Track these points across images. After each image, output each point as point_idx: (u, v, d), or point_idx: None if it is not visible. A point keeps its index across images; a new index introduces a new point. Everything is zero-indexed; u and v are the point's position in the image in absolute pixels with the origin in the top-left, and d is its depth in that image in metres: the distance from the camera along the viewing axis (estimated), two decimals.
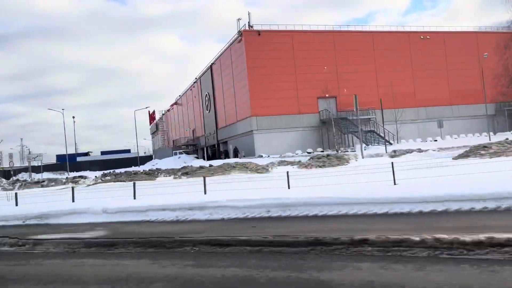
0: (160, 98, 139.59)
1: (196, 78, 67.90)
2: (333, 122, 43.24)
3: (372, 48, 47.53)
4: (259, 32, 44.23)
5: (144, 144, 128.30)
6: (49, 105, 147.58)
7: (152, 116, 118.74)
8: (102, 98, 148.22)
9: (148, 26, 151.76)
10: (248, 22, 44.39)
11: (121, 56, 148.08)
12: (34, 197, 17.17)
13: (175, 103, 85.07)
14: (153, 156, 61.87)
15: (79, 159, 61.79)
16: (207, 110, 61.20)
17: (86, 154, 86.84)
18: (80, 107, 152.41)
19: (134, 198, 13.81)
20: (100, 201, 13.15)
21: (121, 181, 26.23)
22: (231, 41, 48.83)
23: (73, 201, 14.43)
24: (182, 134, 79.83)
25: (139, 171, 32.14)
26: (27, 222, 12.62)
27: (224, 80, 52.22)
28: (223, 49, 52.42)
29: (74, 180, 31.42)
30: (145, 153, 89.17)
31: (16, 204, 14.74)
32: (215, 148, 58.23)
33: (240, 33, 44.76)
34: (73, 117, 54.36)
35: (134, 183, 15.15)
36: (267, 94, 43.60)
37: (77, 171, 51.78)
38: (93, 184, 24.11)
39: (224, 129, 54.24)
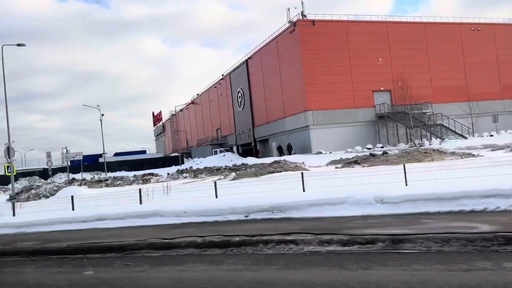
0: (142, 101, 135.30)
1: (223, 75, 65.27)
2: (396, 117, 41.26)
3: (424, 40, 45.66)
4: (313, 22, 41.96)
5: (137, 148, 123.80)
6: (27, 109, 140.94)
7: (157, 118, 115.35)
8: (82, 101, 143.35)
9: (130, 29, 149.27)
10: (302, 11, 42.10)
11: (102, 59, 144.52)
12: (182, 192, 14.48)
13: (192, 103, 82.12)
14: (182, 157, 58.71)
15: (105, 159, 57.91)
16: (239, 107, 58.57)
17: (99, 156, 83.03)
18: (60, 111, 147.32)
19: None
20: (366, 188, 10.57)
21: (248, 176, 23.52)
22: (277, 32, 46.50)
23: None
24: (201, 134, 76.96)
25: (218, 167, 29.43)
26: (253, 216, 10.02)
27: (265, 75, 49.74)
28: (264, 42, 50.02)
29: (145, 178, 28.58)
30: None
31: (217, 197, 12.26)
32: (251, 147, 55.56)
33: (293, 23, 42.43)
34: (102, 114, 51.08)
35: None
36: (323, 87, 41.33)
37: (109, 171, 48.59)
38: (233, 179, 21.06)
39: (263, 126, 51.71)
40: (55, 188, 24.88)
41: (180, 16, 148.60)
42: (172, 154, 74.44)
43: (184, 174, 27.35)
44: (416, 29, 45.60)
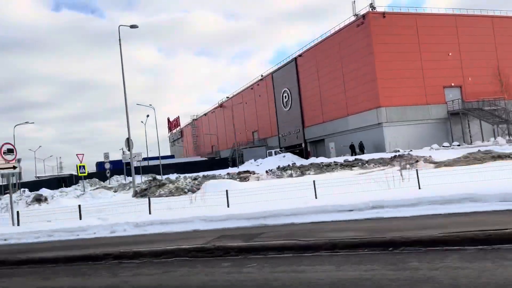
0: (137, 110, 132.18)
1: (262, 76, 63.05)
2: (474, 113, 39.19)
3: (492, 34, 43.76)
4: (383, 14, 39.90)
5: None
6: (20, 119, 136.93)
7: (174, 123, 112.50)
8: (75, 111, 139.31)
9: (124, 39, 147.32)
10: (371, 3, 40.01)
11: (95, 68, 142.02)
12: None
13: (221, 106, 79.69)
14: (235, 159, 55.52)
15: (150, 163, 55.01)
16: (284, 108, 56.23)
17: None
18: (52, 120, 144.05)
19: None
20: None
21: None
22: (337, 28, 44.45)
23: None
24: (231, 137, 74.40)
25: (326, 163, 26.95)
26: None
27: (321, 72, 47.48)
28: (319, 39, 47.91)
29: (242, 176, 26.04)
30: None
31: None
32: (300, 148, 53.08)
33: (361, 15, 40.34)
34: (147, 115, 48.50)
35: None
36: (395, 83, 39.20)
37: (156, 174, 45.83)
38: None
39: (316, 126, 49.34)
40: (197, 182, 22.38)
41: (175, 25, 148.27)
42: (210, 157, 71.63)
43: (288, 171, 24.83)
44: (484, 23, 43.68)
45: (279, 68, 57.56)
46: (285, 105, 56.16)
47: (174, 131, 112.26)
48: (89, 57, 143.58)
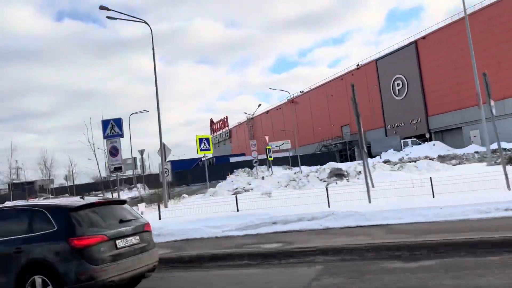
0: (138, 118, 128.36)
1: (358, 65, 58.83)
2: None
3: None
4: None
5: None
6: (21, 129, 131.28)
7: (221, 124, 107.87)
8: (77, 120, 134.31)
9: (125, 48, 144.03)
10: None
11: (96, 78, 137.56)
12: None
13: (292, 101, 75.18)
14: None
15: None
16: (396, 96, 51.85)
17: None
18: (54, 130, 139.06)
19: None
20: None
21: None
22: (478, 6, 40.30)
23: None
24: (307, 133, 69.96)
25: None
26: None
27: (455, 55, 43.05)
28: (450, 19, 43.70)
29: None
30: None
31: None
32: (424, 139, 48.60)
33: None
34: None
35: None
36: None
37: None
38: None
39: (447, 114, 44.99)
40: None
41: (175, 34, 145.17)
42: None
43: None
44: None
45: (386, 55, 53.32)
46: (397, 93, 51.80)
47: (221, 131, 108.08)
48: (90, 67, 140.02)
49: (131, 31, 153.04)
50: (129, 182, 49.67)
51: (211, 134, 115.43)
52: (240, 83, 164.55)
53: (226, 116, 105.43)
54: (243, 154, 77.04)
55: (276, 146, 48.99)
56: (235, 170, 41.84)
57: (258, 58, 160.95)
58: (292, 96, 75.99)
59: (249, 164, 44.88)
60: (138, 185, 36.53)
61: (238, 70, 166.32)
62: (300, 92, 73.53)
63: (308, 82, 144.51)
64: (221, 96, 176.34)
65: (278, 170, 37.21)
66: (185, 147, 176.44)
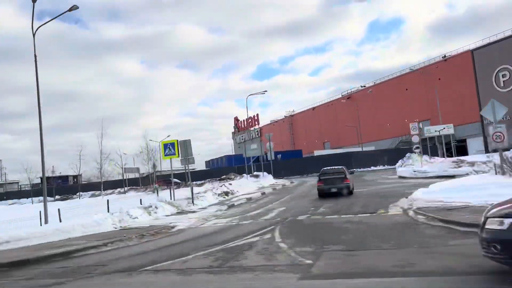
0: (120, 122, 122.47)
1: (444, 56, 55.53)
2: None
3: None
4: None
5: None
6: None
7: (249, 122, 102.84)
8: (56, 122, 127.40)
9: (107, 50, 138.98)
10: None
11: (77, 80, 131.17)
12: None
13: (348, 97, 71.40)
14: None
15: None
16: (501, 88, 48.72)
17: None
18: (31, 131, 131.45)
19: None
20: None
21: None
22: None
23: None
24: (368, 130, 66.27)
25: None
26: None
27: None
28: None
29: None
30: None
31: None
32: None
33: None
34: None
35: None
36: None
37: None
38: None
39: None
40: None
41: (158, 37, 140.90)
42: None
43: None
44: None
45: (487, 44, 50.21)
46: (502, 85, 48.70)
47: (252, 129, 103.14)
48: (71, 68, 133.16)
49: (114, 33, 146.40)
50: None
51: (236, 132, 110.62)
52: (222, 89, 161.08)
53: (257, 114, 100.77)
54: (300, 151, 72.53)
55: (435, 131, 45.30)
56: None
57: (241, 65, 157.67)
58: (349, 92, 72.43)
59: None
60: None
61: (220, 76, 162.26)
62: (361, 86, 69.86)
63: (289, 90, 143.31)
64: (203, 101, 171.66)
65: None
66: None
